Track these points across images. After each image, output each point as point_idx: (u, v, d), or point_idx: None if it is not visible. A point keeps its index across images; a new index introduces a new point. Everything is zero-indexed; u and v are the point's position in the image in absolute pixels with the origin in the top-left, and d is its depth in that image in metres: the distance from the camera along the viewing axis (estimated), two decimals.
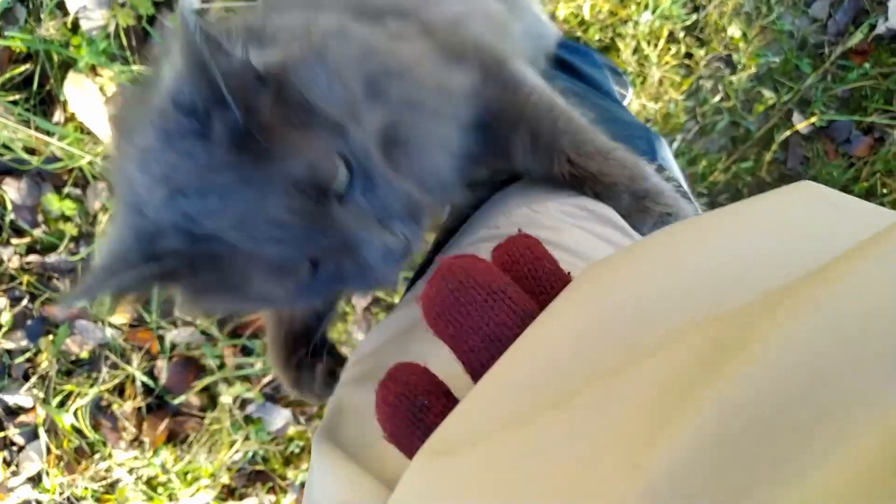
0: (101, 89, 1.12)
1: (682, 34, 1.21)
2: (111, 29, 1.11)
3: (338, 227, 0.38)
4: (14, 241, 1.07)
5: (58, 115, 1.10)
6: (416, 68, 0.44)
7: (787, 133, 1.21)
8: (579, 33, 1.22)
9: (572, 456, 0.14)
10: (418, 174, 0.43)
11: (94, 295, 0.38)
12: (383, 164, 0.41)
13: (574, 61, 0.91)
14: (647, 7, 1.20)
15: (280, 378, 0.59)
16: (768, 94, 1.21)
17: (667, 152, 0.70)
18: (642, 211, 0.47)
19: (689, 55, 1.22)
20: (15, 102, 1.05)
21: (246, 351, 1.11)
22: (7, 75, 1.05)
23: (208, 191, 0.37)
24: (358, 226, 0.38)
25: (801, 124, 1.20)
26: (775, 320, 0.14)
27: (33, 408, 1.11)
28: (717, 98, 1.22)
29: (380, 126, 0.42)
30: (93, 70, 1.11)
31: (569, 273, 0.21)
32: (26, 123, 1.06)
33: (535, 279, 0.22)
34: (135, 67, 1.10)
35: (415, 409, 0.19)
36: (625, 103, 1.19)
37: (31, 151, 1.06)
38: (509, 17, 0.65)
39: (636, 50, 1.21)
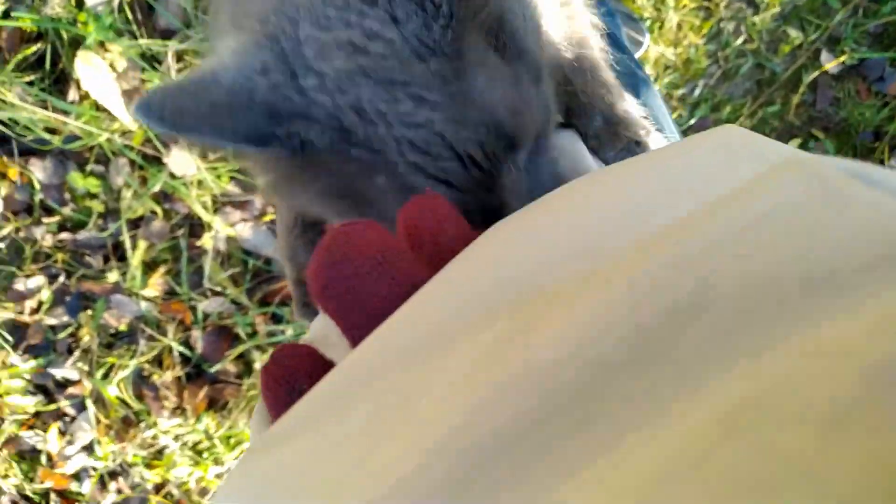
0: (112, 65, 1.11)
1: None
2: (116, 3, 1.09)
3: (495, 193, 0.32)
4: (45, 219, 1.10)
5: (72, 94, 1.10)
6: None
7: (816, 73, 1.17)
8: None
9: (358, 451, 0.14)
10: None
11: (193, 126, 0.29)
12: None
13: None
14: None
15: (288, 274, 0.52)
16: (794, 33, 1.17)
17: (654, 98, 0.69)
18: (612, 136, 0.46)
19: None
20: (31, 83, 1.05)
21: (276, 318, 1.14)
22: (20, 55, 1.05)
23: (401, 82, 0.29)
24: (514, 202, 0.32)
25: (831, 64, 1.16)
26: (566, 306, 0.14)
27: (79, 381, 1.16)
28: (740, 40, 1.17)
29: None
30: (102, 46, 1.10)
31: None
32: (43, 104, 1.06)
33: (434, 245, 0.20)
34: (142, 41, 1.09)
35: (293, 395, 0.17)
36: (642, 51, 1.15)
37: (51, 131, 1.07)
38: None
39: None
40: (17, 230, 1.09)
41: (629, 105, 0.47)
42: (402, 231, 0.20)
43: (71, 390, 1.16)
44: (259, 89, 0.30)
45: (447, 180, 0.31)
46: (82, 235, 1.11)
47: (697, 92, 1.19)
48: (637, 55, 1.16)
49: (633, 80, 0.68)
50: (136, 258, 1.11)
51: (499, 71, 0.31)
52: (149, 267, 1.13)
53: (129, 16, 1.07)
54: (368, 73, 0.29)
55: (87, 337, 1.16)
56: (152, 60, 1.09)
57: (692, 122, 1.21)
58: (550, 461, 0.12)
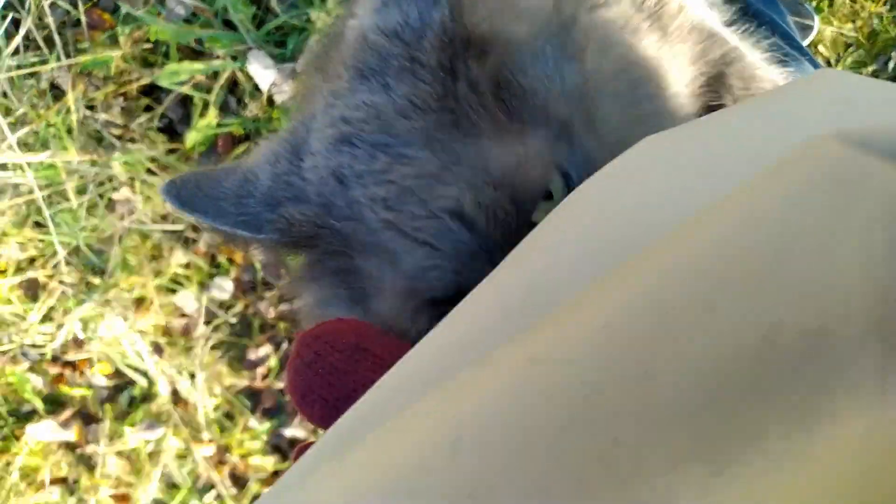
0: None
1: None
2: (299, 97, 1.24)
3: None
4: (267, 294, 1.24)
5: None
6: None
7: None
8: None
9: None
10: None
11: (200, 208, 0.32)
12: None
13: (760, 8, 0.85)
14: None
15: None
16: None
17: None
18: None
19: None
20: None
21: None
22: (233, 155, 1.22)
23: (381, 143, 0.29)
24: None
25: None
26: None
27: (306, 438, 1.27)
28: None
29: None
30: None
31: None
32: None
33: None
34: None
35: None
36: (813, 34, 1.08)
37: None
38: None
39: None
40: (247, 307, 1.24)
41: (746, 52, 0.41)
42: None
43: None
44: (264, 178, 0.32)
45: (427, 241, 0.28)
46: (298, 303, 1.23)
47: (892, 65, 1.09)
48: (808, 41, 1.10)
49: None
50: None
51: (499, 127, 0.29)
52: None
53: None
54: (352, 139, 0.30)
55: None
56: None
57: None
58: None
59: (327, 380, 0.17)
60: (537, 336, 0.14)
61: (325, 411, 0.17)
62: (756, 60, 0.43)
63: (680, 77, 0.37)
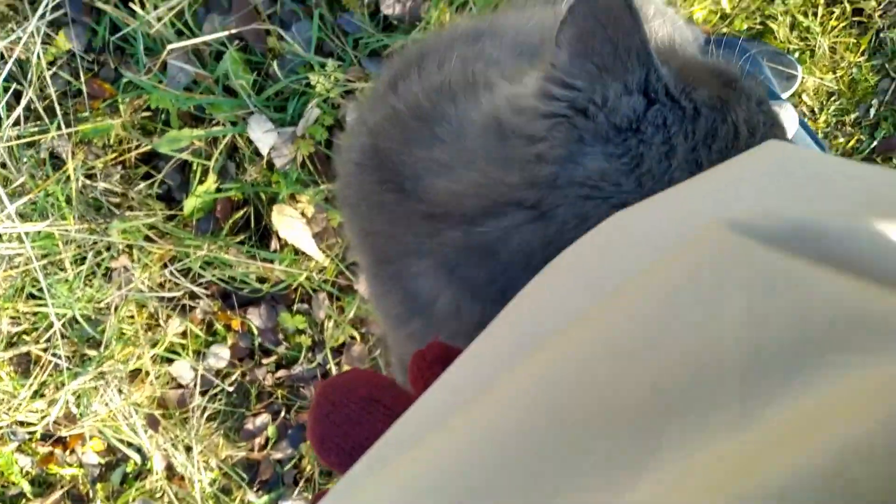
0: (302, 213, 1.26)
1: None
2: (299, 160, 1.26)
3: None
4: (264, 360, 1.21)
5: (274, 244, 1.24)
6: None
7: None
8: (724, 29, 1.18)
9: None
10: None
11: None
12: None
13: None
14: None
15: None
16: None
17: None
18: None
19: (858, 11, 1.13)
20: (242, 242, 1.21)
21: None
22: (231, 221, 1.22)
23: None
24: None
25: None
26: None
27: None
28: None
29: None
30: (292, 198, 1.26)
31: None
32: (253, 257, 1.21)
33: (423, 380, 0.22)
34: (324, 186, 1.22)
35: None
36: (796, 85, 1.12)
37: (262, 280, 1.20)
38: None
39: (794, 26, 1.15)
40: (244, 374, 1.21)
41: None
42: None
43: None
44: None
45: None
46: (296, 370, 1.20)
47: (873, 112, 1.12)
48: (792, 90, 1.13)
49: None
50: None
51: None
52: None
53: (311, 168, 1.22)
54: None
55: (308, 467, 1.22)
56: (335, 201, 1.22)
57: (875, 144, 1.13)
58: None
59: (343, 429, 0.19)
60: (471, 408, 0.18)
61: (341, 458, 0.20)
62: None
63: None
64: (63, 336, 1.26)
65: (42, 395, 1.30)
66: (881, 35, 1.12)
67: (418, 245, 0.37)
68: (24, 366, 1.28)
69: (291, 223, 1.25)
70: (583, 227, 0.30)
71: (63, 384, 1.25)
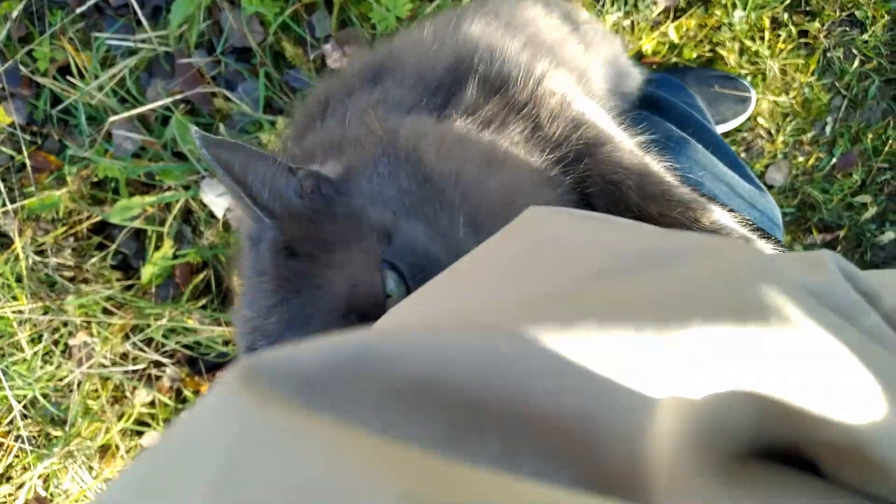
0: None
1: (785, 16, 1.14)
2: None
3: None
4: None
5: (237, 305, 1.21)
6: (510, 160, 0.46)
7: None
8: (674, 59, 1.19)
9: None
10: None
11: None
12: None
13: (665, 95, 0.89)
14: (734, 6, 1.15)
15: None
16: None
17: (696, 154, 0.69)
18: None
19: (803, 33, 1.14)
20: (204, 307, 1.17)
21: None
22: (192, 285, 1.19)
23: (256, 301, 0.40)
24: None
25: None
26: None
27: None
28: (856, 63, 1.11)
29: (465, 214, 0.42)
30: None
31: None
32: (217, 321, 1.18)
33: None
34: None
35: None
36: (751, 108, 1.12)
37: (228, 343, 1.16)
38: (585, 58, 0.67)
39: (742, 51, 1.15)
40: None
41: (717, 214, 0.47)
42: None
43: None
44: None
45: None
46: None
47: (829, 129, 1.12)
48: (747, 114, 1.13)
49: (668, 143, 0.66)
50: None
51: (332, 264, 0.39)
52: None
53: None
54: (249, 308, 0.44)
55: None
56: None
57: (834, 160, 1.13)
58: None
59: None
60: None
61: None
62: (624, 142, 0.51)
63: (537, 157, 0.47)
64: (26, 416, 1.21)
65: (9, 479, 1.24)
66: (828, 55, 1.12)
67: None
68: None
69: None
70: None
71: (30, 466, 1.20)
